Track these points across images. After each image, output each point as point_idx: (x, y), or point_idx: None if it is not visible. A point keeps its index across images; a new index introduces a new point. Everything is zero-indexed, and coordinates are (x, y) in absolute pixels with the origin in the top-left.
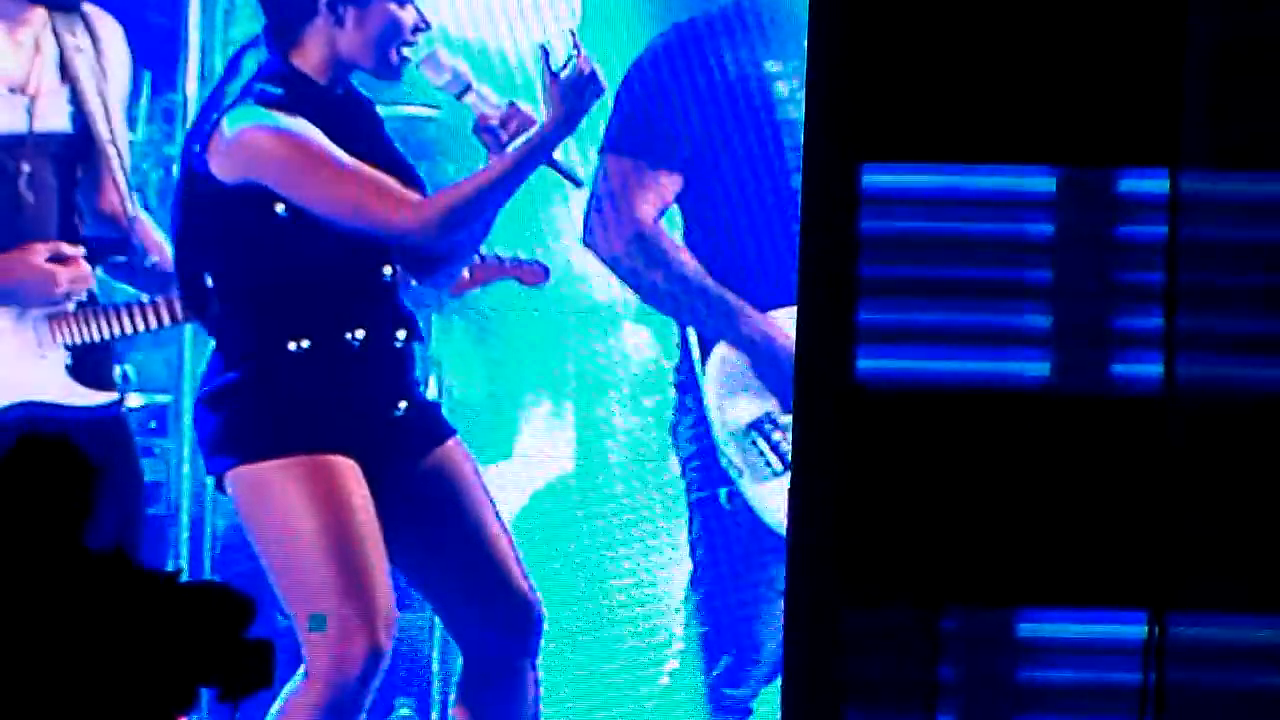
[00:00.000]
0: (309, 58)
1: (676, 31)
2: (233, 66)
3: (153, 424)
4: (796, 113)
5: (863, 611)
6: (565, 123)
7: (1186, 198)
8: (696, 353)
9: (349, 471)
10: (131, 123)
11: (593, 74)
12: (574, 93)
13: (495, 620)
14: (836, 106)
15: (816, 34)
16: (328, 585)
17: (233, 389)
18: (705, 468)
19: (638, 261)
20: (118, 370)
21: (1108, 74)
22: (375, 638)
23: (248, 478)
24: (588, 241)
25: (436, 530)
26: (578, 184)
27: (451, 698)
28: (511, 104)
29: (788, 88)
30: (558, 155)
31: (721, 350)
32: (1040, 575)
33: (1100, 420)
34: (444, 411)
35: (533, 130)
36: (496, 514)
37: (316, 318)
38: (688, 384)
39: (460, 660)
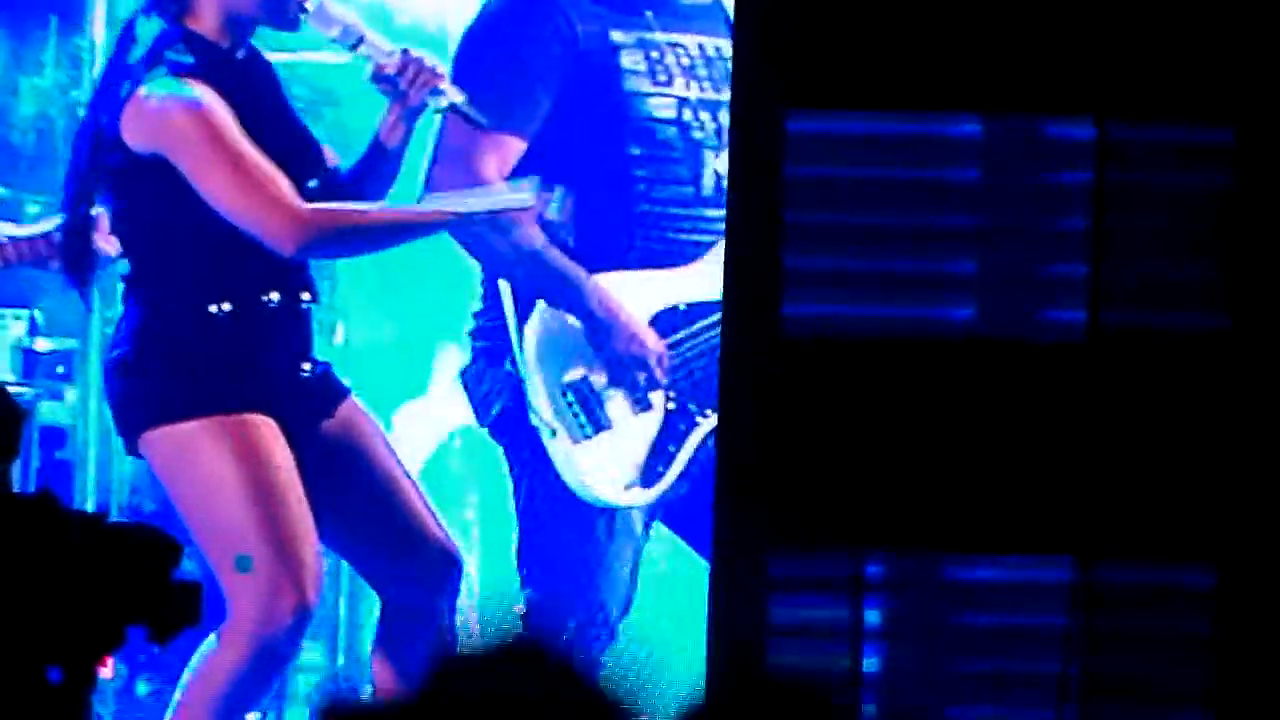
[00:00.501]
0: (203, 20)
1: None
2: (127, 35)
3: (60, 369)
4: (641, 84)
5: (788, 557)
6: (487, 215)
7: (1113, 144)
8: (512, 314)
9: (269, 429)
10: (38, 68)
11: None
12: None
13: (415, 572)
14: (762, 54)
15: None
16: (254, 543)
17: (150, 352)
18: (518, 425)
19: (482, 226)
20: None
21: (1035, 19)
22: (304, 594)
23: (168, 439)
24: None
25: (348, 488)
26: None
27: (370, 646)
28: (404, 51)
29: (632, 60)
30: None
31: (545, 313)
32: (966, 521)
33: (1025, 366)
34: (349, 360)
35: (454, 199)
36: (402, 467)
37: (235, 282)
38: (497, 336)
39: (375, 606)
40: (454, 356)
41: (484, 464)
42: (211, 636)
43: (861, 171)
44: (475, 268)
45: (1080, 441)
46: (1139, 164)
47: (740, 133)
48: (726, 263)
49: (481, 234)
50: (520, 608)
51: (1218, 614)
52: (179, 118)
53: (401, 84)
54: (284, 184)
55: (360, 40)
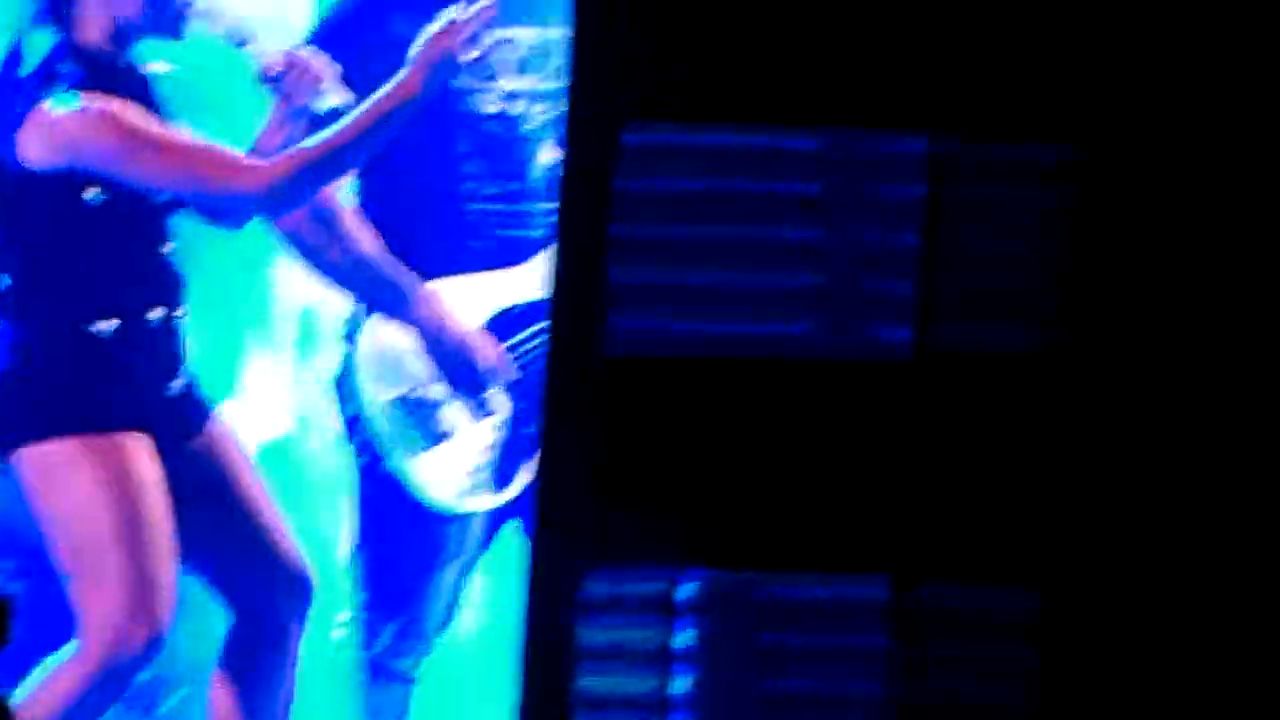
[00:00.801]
0: (90, 33)
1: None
2: (17, 51)
3: None
4: (467, 81)
5: (602, 576)
6: (431, 85)
7: (943, 161)
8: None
9: (143, 449)
10: None
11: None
12: (446, 57)
13: (269, 590)
14: (599, 68)
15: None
16: (116, 564)
17: (31, 367)
18: (365, 432)
19: (319, 238)
20: None
21: (872, 37)
22: (157, 620)
23: (43, 456)
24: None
25: (209, 504)
26: None
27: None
28: (290, 52)
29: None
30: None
31: (377, 324)
32: (786, 540)
33: (851, 384)
34: None
35: (391, 88)
36: (262, 484)
37: (119, 300)
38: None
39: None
40: (270, 365)
41: (295, 475)
42: (73, 643)
43: (697, 184)
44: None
45: (903, 461)
46: (970, 179)
47: (574, 146)
48: (555, 277)
49: (317, 247)
50: (345, 614)
51: (1039, 638)
52: (101, 124)
53: (287, 84)
54: (233, 150)
55: (247, 40)
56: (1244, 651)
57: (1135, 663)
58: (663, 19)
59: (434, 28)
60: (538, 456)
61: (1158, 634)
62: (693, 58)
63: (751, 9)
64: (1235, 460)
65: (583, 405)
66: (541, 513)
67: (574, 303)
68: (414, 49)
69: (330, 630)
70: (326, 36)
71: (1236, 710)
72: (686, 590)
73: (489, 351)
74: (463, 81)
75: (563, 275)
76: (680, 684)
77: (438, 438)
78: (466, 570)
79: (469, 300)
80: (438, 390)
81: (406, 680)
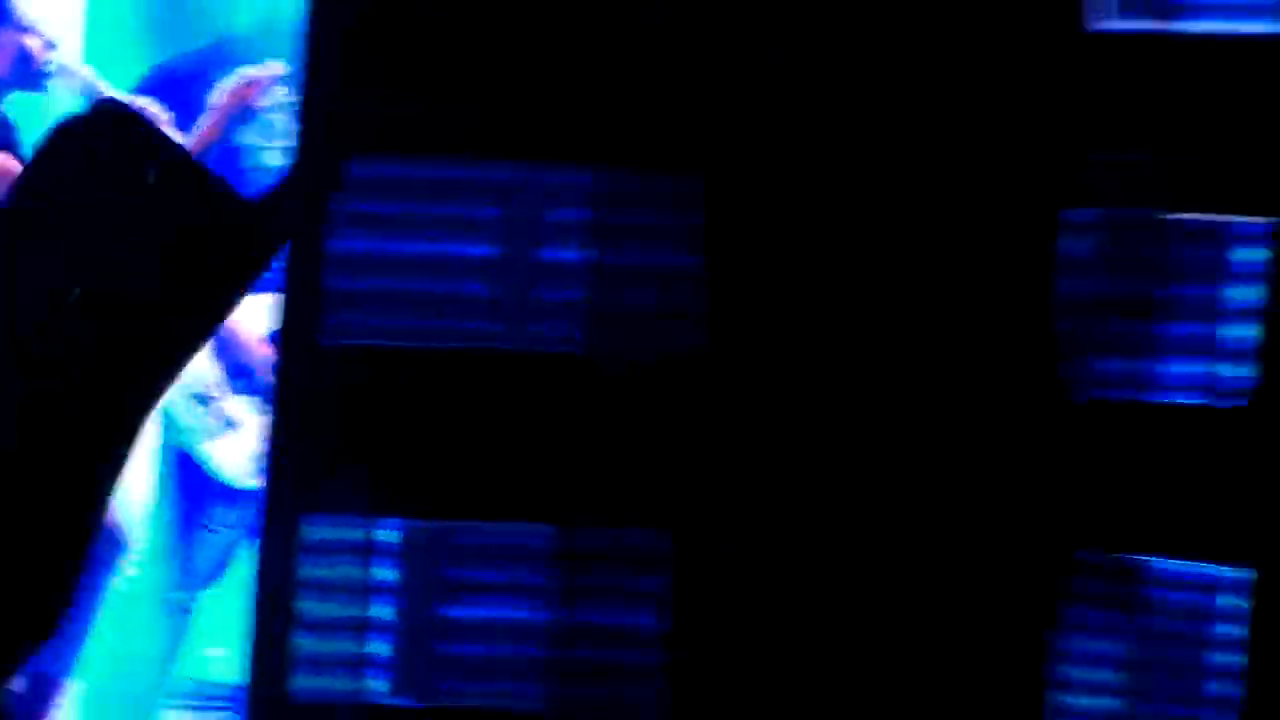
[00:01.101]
0: None
1: (163, 70)
2: None
3: None
4: (253, 139)
5: (320, 523)
6: (228, 130)
7: (605, 189)
8: None
9: None
10: None
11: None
12: (241, 107)
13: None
14: (330, 107)
15: (314, 38)
16: None
17: None
18: (170, 420)
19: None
20: None
21: (546, 92)
22: None
23: None
24: None
25: None
26: None
27: None
28: (133, 99)
29: (244, 119)
30: None
31: None
32: (468, 496)
33: (527, 371)
34: None
35: (196, 132)
36: None
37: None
38: None
39: None
40: None
41: None
42: None
43: (403, 208)
44: None
45: (566, 432)
46: (625, 206)
47: (305, 175)
48: (284, 285)
49: None
50: (138, 557)
51: (670, 570)
52: None
53: None
54: None
55: (97, 92)
56: (847, 581)
57: (746, 588)
58: (379, 76)
59: (230, 81)
60: (269, 428)
61: (766, 565)
62: (403, 105)
63: (460, 68)
64: (841, 431)
65: (306, 386)
66: (271, 472)
67: (299, 304)
68: (212, 98)
69: (126, 569)
70: (155, 90)
71: (839, 621)
72: (388, 535)
73: (264, 355)
74: (253, 139)
75: (291, 282)
76: (381, 611)
77: (228, 426)
78: (247, 530)
79: (254, 315)
80: (225, 389)
81: (185, 611)
